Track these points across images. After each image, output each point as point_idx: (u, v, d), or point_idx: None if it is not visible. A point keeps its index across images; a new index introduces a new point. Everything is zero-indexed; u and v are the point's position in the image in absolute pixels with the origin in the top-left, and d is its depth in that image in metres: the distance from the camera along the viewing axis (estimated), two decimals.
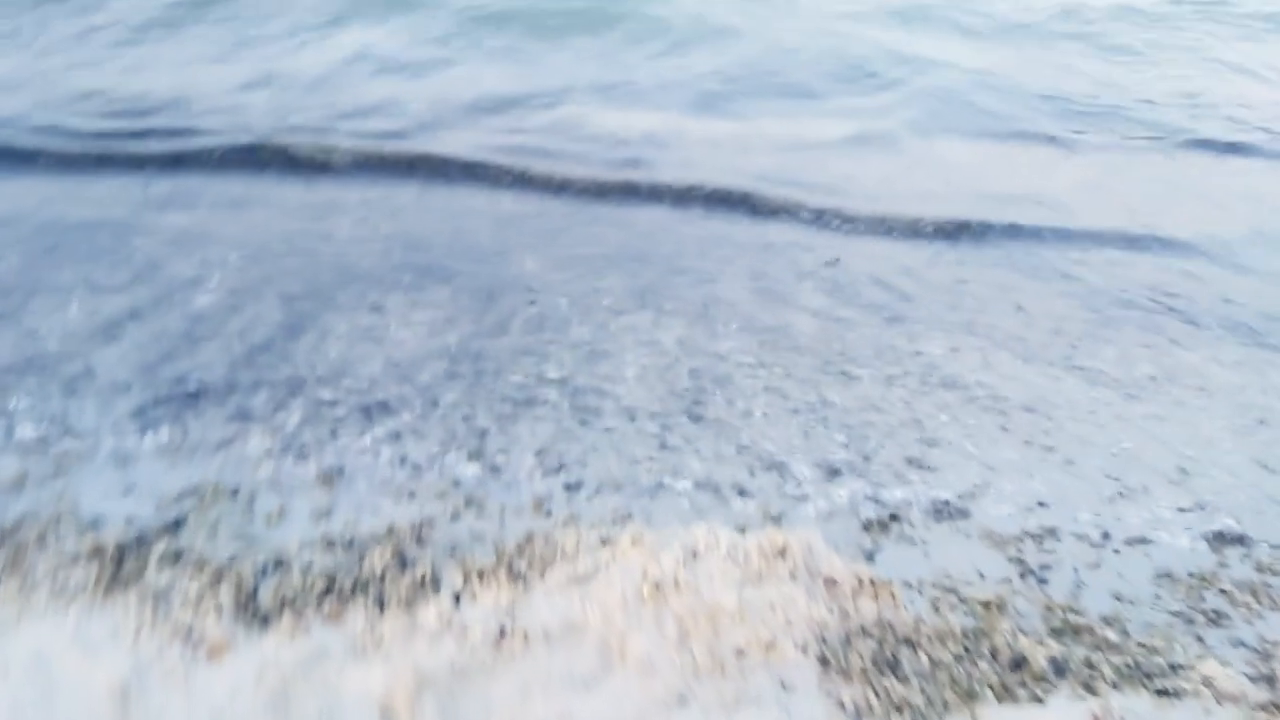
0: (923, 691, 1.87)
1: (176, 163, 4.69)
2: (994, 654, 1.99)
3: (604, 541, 2.23)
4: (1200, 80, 7.03)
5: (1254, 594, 2.30)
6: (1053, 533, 2.51)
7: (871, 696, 1.84)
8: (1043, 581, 2.31)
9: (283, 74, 5.94)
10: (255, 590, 2.07)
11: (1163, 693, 1.89)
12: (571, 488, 2.57)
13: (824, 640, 1.94)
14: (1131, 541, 2.49)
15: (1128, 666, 1.98)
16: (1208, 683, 1.91)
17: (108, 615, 1.96)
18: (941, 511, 2.56)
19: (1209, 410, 3.16)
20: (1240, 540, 2.51)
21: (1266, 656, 2.08)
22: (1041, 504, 2.63)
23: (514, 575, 2.12)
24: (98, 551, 2.16)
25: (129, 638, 1.90)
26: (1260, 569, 2.41)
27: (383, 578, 2.13)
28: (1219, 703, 1.86)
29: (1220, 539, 2.52)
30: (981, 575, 2.32)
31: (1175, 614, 2.22)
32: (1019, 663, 1.96)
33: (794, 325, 3.52)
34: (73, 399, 2.82)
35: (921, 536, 2.46)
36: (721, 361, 3.24)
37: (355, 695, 1.79)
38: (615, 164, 4.94)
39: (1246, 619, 2.21)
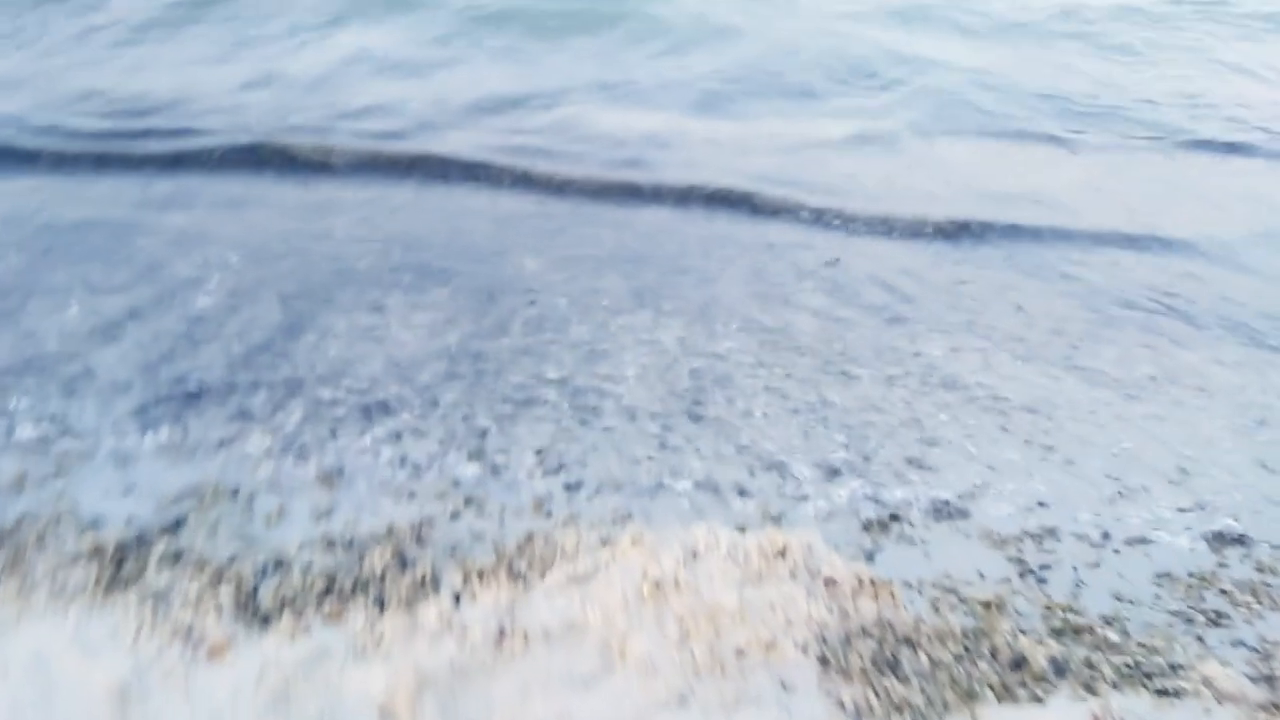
0: (923, 691, 1.87)
1: (176, 163, 4.69)
2: (994, 654, 1.99)
3: (604, 541, 2.23)
4: (1200, 80, 7.02)
5: (1254, 594, 2.30)
6: (1053, 533, 2.51)
7: (871, 696, 1.84)
8: (1043, 581, 2.31)
9: (282, 74, 5.94)
10: (255, 590, 2.07)
11: (1163, 693, 1.89)
12: (571, 488, 2.57)
13: (824, 640, 1.94)
14: (1131, 541, 2.49)
15: (1128, 667, 1.98)
16: (1208, 683, 1.91)
17: (107, 615, 1.96)
18: (941, 511, 2.56)
19: (1209, 410, 3.16)
20: (1240, 540, 2.51)
21: (1266, 657, 2.08)
22: (1041, 504, 2.63)
23: (514, 575, 2.12)
24: (97, 552, 2.16)
25: (129, 638, 1.90)
26: (1260, 569, 2.41)
27: (383, 578, 2.13)
28: (1219, 703, 1.86)
29: (1220, 539, 2.51)
30: (981, 575, 2.32)
31: (1175, 614, 2.22)
32: (1019, 663, 1.96)
33: (794, 325, 3.52)
34: (72, 399, 2.82)
35: (921, 536, 2.46)
36: (721, 361, 3.24)
37: (356, 695, 1.79)
38: (615, 164, 4.94)
39: (1246, 619, 2.21)
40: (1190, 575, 2.37)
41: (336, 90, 5.72)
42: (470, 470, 2.61)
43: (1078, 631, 2.12)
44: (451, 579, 2.12)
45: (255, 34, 6.64)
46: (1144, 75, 7.10)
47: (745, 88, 6.23)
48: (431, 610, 1.98)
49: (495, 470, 2.62)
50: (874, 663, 1.92)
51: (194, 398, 2.86)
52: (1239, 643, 2.14)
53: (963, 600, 2.21)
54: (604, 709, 1.77)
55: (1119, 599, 2.27)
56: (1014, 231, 4.49)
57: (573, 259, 3.94)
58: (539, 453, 2.71)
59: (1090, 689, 1.89)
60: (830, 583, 2.08)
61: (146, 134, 4.95)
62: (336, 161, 4.75)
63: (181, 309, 3.36)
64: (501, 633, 1.92)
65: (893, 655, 1.95)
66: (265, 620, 1.98)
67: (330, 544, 2.26)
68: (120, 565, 2.13)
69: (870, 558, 2.36)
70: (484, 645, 1.89)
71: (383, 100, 5.59)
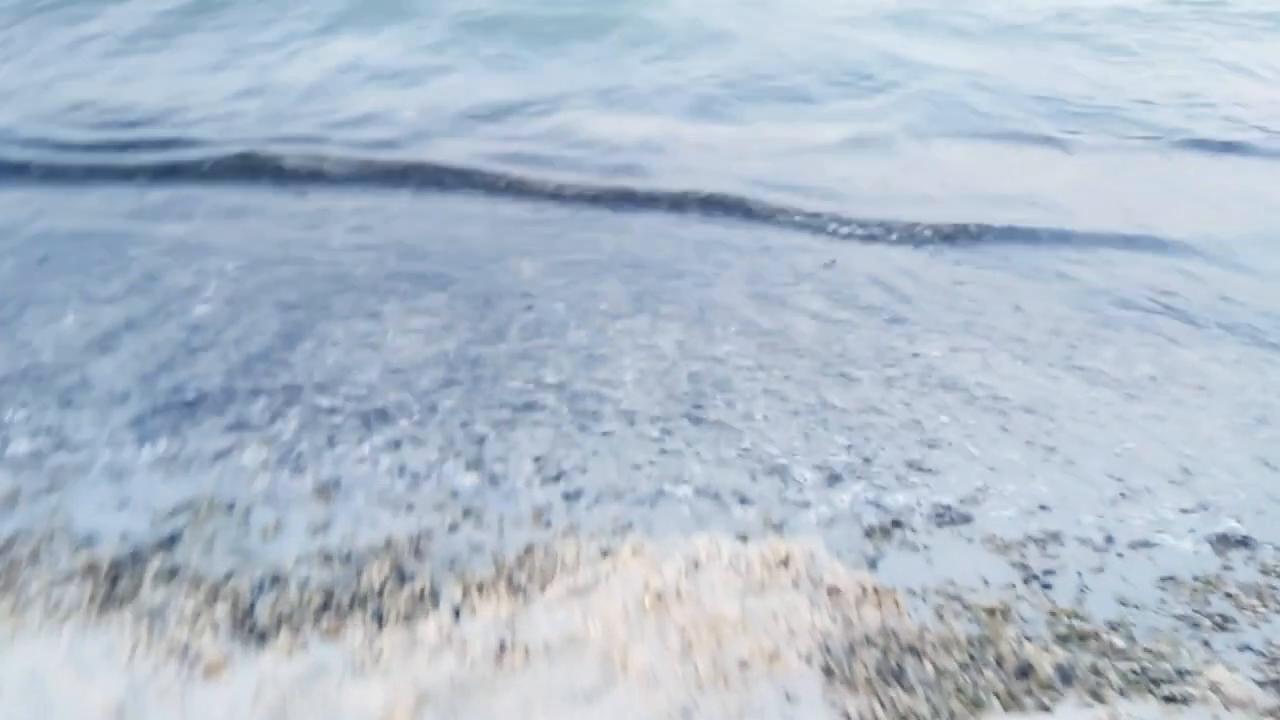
0: (928, 701, 1.85)
1: (171, 173, 4.67)
2: (1000, 662, 1.97)
3: (604, 552, 2.21)
4: (1197, 80, 7.03)
5: (1259, 597, 2.28)
6: (1056, 537, 2.49)
7: (877, 707, 1.82)
8: (1047, 587, 2.30)
9: (275, 83, 5.92)
10: (252, 607, 2.05)
11: (1170, 699, 1.87)
12: (571, 497, 2.55)
13: (828, 650, 1.92)
14: (1135, 545, 2.48)
15: (1134, 673, 1.96)
16: (1215, 688, 1.89)
17: (102, 634, 1.93)
18: (943, 516, 2.55)
19: (1209, 409, 3.15)
20: (1244, 542, 2.50)
21: (1274, 661, 2.07)
22: (1044, 507, 2.61)
23: (514, 588, 2.10)
24: (92, 569, 2.14)
25: (124, 657, 1.87)
26: (1265, 571, 2.39)
27: (381, 592, 2.11)
28: (1227, 709, 1.84)
29: (1224, 541, 2.50)
30: (985, 581, 2.30)
31: (1181, 618, 2.21)
32: (1025, 670, 1.94)
33: (793, 328, 3.51)
34: (67, 411, 2.80)
35: (924, 542, 2.44)
36: (720, 365, 3.23)
37: (354, 712, 1.77)
38: (611, 170, 4.93)
39: (1252, 623, 2.20)
40: (1195, 579, 2.35)
41: (331, 99, 5.70)
42: (468, 480, 2.59)
43: (1083, 637, 2.10)
44: (451, 593, 2.09)
45: (248, 43, 6.62)
46: (1140, 76, 7.11)
47: (741, 92, 6.22)
48: (431, 625, 1.96)
49: (494, 480, 2.60)
50: (879, 672, 1.90)
51: (190, 408, 2.84)
52: (1245, 647, 2.12)
53: (967, 607, 2.19)
54: None
55: (1124, 604, 2.26)
56: (1011, 233, 4.49)
57: (570, 264, 3.92)
58: (537, 460, 2.69)
59: (1097, 696, 1.88)
60: (833, 591, 2.06)
61: (139, 144, 4.93)
62: (330, 170, 4.73)
63: (178, 318, 3.34)
64: (502, 647, 1.89)
65: (897, 664, 1.93)
66: (262, 637, 1.95)
67: (327, 558, 2.24)
68: (115, 582, 2.10)
69: (873, 565, 2.35)
70: (484, 660, 1.86)
71: (377, 108, 5.57)
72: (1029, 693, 1.89)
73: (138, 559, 2.19)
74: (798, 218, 4.52)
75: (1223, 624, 2.19)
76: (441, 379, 3.06)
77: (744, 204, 4.61)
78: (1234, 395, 3.24)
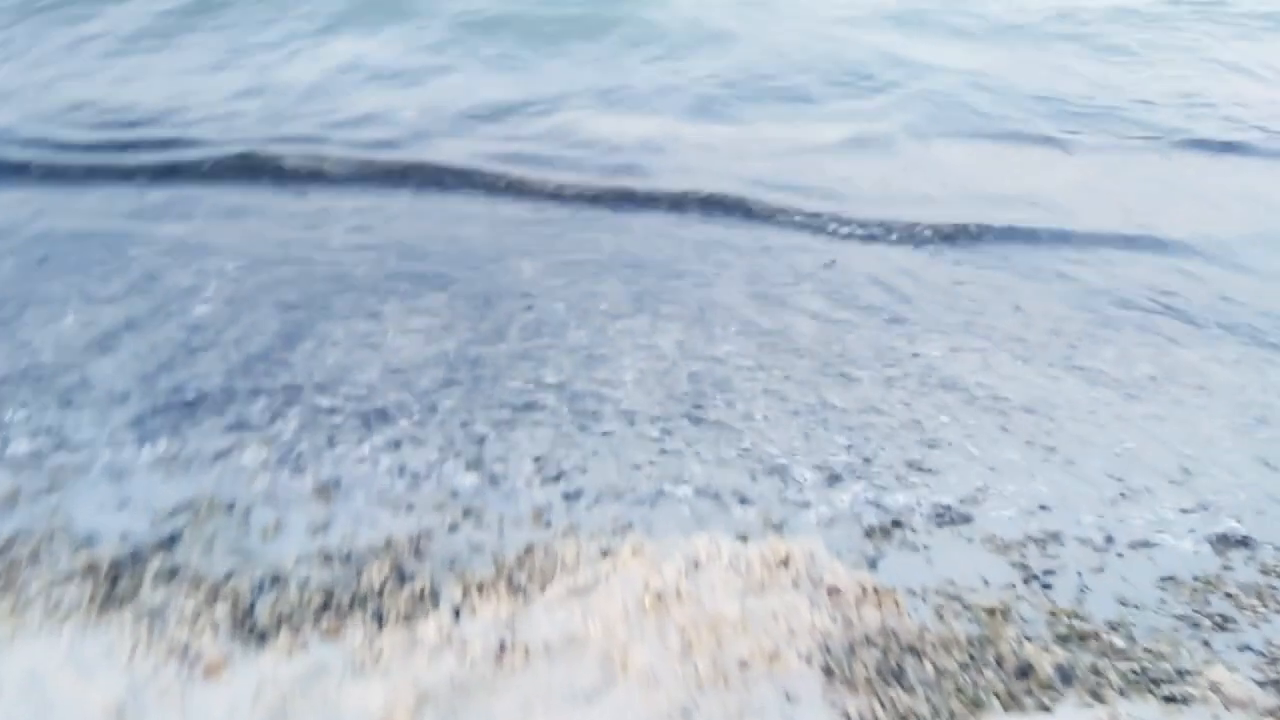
0: (928, 701, 1.85)
1: (170, 173, 4.66)
2: (1000, 662, 1.97)
3: (604, 552, 2.21)
4: (1196, 80, 7.03)
5: (1259, 597, 2.28)
6: (1056, 537, 2.49)
7: (877, 707, 1.82)
8: (1047, 587, 2.30)
9: (276, 83, 5.92)
10: (252, 607, 2.05)
11: (1170, 699, 1.87)
12: (571, 496, 2.55)
13: (828, 650, 1.92)
14: (1135, 545, 2.48)
15: (1134, 673, 1.96)
16: (1215, 688, 1.89)
17: (102, 634, 1.93)
18: (944, 516, 2.55)
19: (1209, 409, 3.15)
20: (1244, 542, 2.50)
21: (1274, 661, 2.07)
22: (1043, 507, 2.61)
23: (514, 588, 2.10)
24: (92, 569, 2.14)
25: (124, 657, 1.87)
26: (1265, 571, 2.39)
27: (381, 592, 2.11)
28: (1227, 709, 1.84)
29: (1224, 541, 2.50)
30: (985, 581, 2.30)
31: (1181, 618, 2.21)
32: (1025, 670, 1.94)
33: (793, 327, 3.51)
34: (68, 411, 2.80)
35: (924, 542, 2.44)
36: (720, 365, 3.23)
37: (354, 712, 1.77)
38: (611, 170, 4.93)
39: (1252, 623, 2.20)
40: (1195, 579, 2.35)
41: (330, 99, 5.70)
42: (469, 480, 2.59)
43: (1083, 638, 2.10)
44: (451, 593, 2.09)
45: (248, 43, 6.62)
46: (1140, 76, 7.11)
47: (741, 92, 6.22)
48: (431, 625, 1.96)
49: (494, 479, 2.60)
50: (879, 672, 1.90)
51: (190, 408, 2.84)
52: (1245, 647, 2.12)
53: (967, 607, 2.19)
54: None
55: (1124, 604, 2.26)
56: (1011, 233, 4.49)
57: (570, 264, 3.93)
58: (537, 460, 2.69)
59: (1097, 696, 1.88)
60: (833, 591, 2.06)
61: (139, 144, 4.93)
62: (331, 170, 4.73)
63: (178, 318, 3.34)
64: (502, 647, 1.89)
65: (897, 664, 1.93)
66: (262, 637, 1.95)
67: (327, 558, 2.24)
68: (115, 582, 2.10)
69: (873, 565, 2.35)
70: (484, 660, 1.86)
71: (377, 108, 5.57)
72: (1029, 693, 1.89)
73: (138, 559, 2.19)
74: (798, 218, 4.52)
75: (1223, 624, 2.19)
76: (441, 379, 3.06)
77: (744, 204, 4.61)
78: (1234, 395, 3.24)
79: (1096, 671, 1.95)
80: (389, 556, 2.24)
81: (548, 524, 2.43)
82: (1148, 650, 2.06)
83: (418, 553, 2.27)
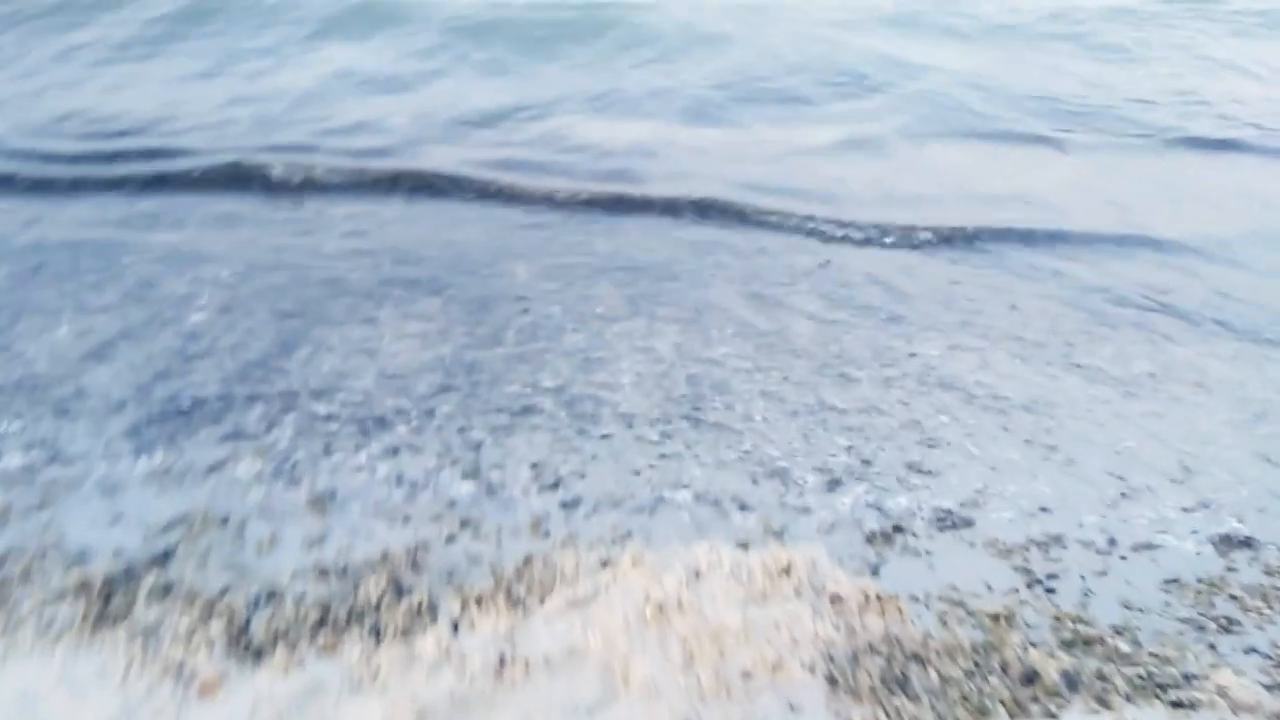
0: (933, 709, 1.83)
1: (162, 182, 4.64)
2: (1005, 668, 1.95)
3: (604, 563, 2.19)
4: (1191, 78, 7.05)
5: (1264, 599, 2.27)
6: (1058, 540, 2.47)
7: (881, 716, 1.80)
8: (1050, 591, 2.28)
9: (266, 91, 5.89)
10: (247, 623, 2.02)
11: (1178, 704, 1.85)
12: (569, 505, 2.52)
13: (831, 659, 1.90)
14: (1138, 547, 2.46)
15: (1141, 678, 1.94)
16: (1222, 693, 1.88)
17: (95, 653, 1.90)
18: (945, 520, 2.53)
19: (1208, 406, 3.14)
20: (1247, 543, 2.48)
21: None
22: (1045, 509, 2.60)
23: (513, 600, 2.07)
24: (85, 586, 2.10)
25: (118, 676, 1.84)
26: (1269, 572, 2.38)
27: (378, 606, 2.08)
28: (1234, 713, 1.83)
29: (1227, 542, 2.49)
30: (989, 586, 2.29)
31: (1186, 621, 2.19)
32: (1031, 677, 1.92)
33: (790, 329, 3.49)
34: (61, 422, 2.77)
35: (926, 548, 2.42)
36: (718, 367, 3.21)
37: None
38: (605, 175, 4.92)
39: (1258, 625, 2.18)
40: (1199, 581, 2.34)
41: (322, 106, 5.68)
42: (466, 489, 2.56)
43: (1088, 643, 2.08)
44: (449, 606, 2.07)
45: (238, 51, 6.59)
46: (1135, 74, 7.12)
47: (735, 95, 6.22)
48: (429, 639, 1.93)
49: (491, 488, 2.57)
50: (883, 681, 1.88)
51: (186, 417, 2.81)
52: (1251, 650, 2.10)
53: (971, 613, 2.17)
54: None
55: (1128, 607, 2.24)
56: (1006, 233, 4.49)
57: (565, 267, 3.91)
58: (535, 467, 2.66)
59: (1104, 702, 1.86)
60: (836, 599, 2.04)
61: (130, 154, 4.90)
62: (324, 178, 4.71)
63: (173, 326, 3.32)
64: (501, 661, 1.87)
65: (902, 673, 1.91)
66: (258, 654, 1.92)
67: (324, 572, 2.21)
68: (108, 600, 2.07)
69: (875, 571, 2.33)
70: (484, 675, 1.84)
71: (369, 115, 5.55)
72: (1035, 699, 1.87)
73: (131, 576, 2.16)
74: (793, 220, 4.51)
75: (1228, 627, 2.18)
76: (438, 384, 3.03)
77: (739, 207, 4.60)
78: (1232, 391, 3.24)
79: (1102, 677, 1.93)
80: (386, 570, 2.21)
81: (546, 534, 2.40)
82: (1153, 655, 2.04)
83: (415, 565, 2.25)
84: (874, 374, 3.22)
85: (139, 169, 4.74)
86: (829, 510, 2.54)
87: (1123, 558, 2.41)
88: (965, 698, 1.86)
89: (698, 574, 2.06)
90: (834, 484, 2.65)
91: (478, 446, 2.74)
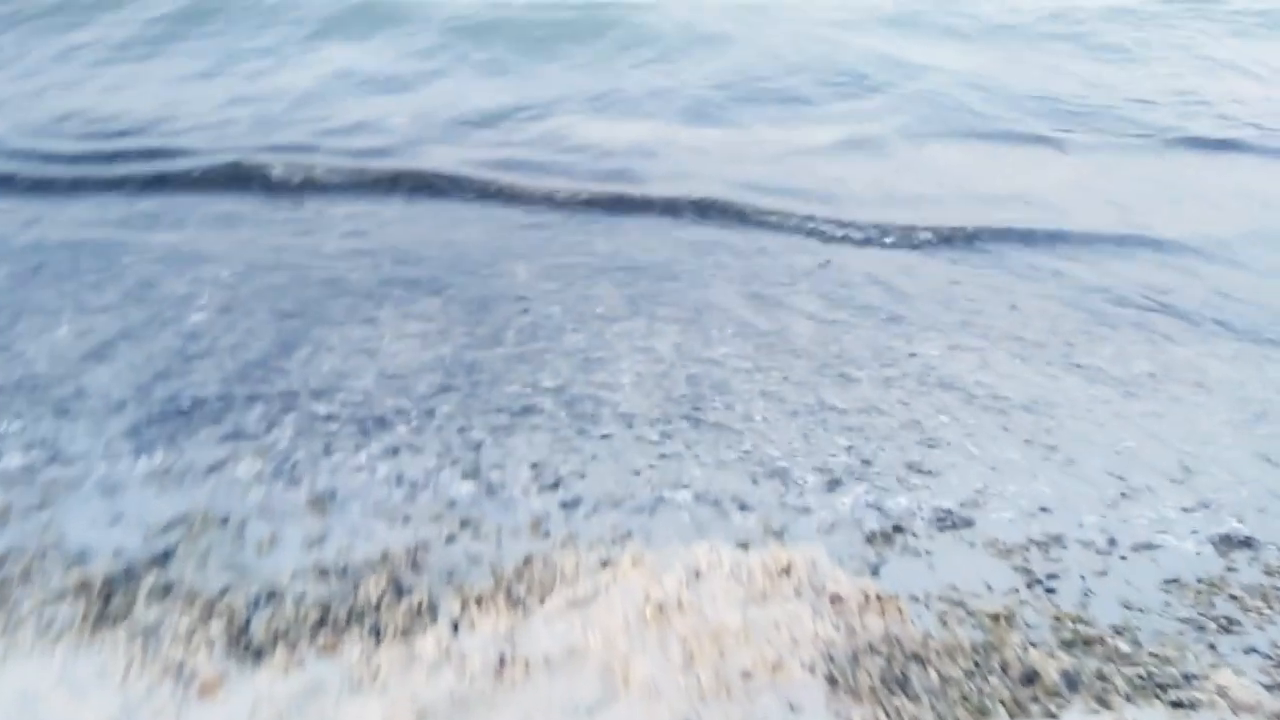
0: (934, 709, 1.83)
1: (161, 182, 4.64)
2: (1005, 668, 1.95)
3: (604, 563, 2.19)
4: (1191, 78, 7.05)
5: (1264, 599, 2.27)
6: (1058, 540, 2.47)
7: (881, 716, 1.80)
8: (1050, 591, 2.28)
9: (266, 91, 5.89)
10: (247, 623, 2.02)
11: (1178, 705, 1.85)
12: (569, 505, 2.52)
13: (831, 659, 1.90)
14: (1138, 547, 2.46)
15: (1141, 678, 1.94)
16: (1222, 693, 1.88)
17: (95, 653, 1.90)
18: (945, 520, 2.53)
19: (1208, 406, 3.14)
20: (1247, 543, 2.48)
21: None
22: (1045, 509, 2.60)
23: (513, 600, 2.07)
24: (84, 586, 2.10)
25: (118, 677, 1.84)
26: (1269, 572, 2.38)
27: (378, 606, 2.08)
28: (1234, 713, 1.83)
29: (1227, 542, 2.49)
30: (989, 586, 2.29)
31: (1186, 621, 2.19)
32: (1031, 677, 1.92)
33: (790, 329, 3.49)
34: (62, 423, 2.77)
35: (926, 548, 2.42)
36: (718, 367, 3.21)
37: None
38: (604, 175, 4.92)
39: (1258, 625, 2.18)
40: (1199, 581, 2.34)
41: (322, 106, 5.68)
42: (466, 489, 2.56)
43: (1088, 643, 2.08)
44: (449, 606, 2.07)
45: (238, 51, 6.59)
46: (1134, 74, 7.12)
47: (735, 95, 6.22)
48: (429, 640, 1.93)
49: (491, 488, 2.57)
50: (883, 681, 1.88)
51: (186, 417, 2.81)
52: (1251, 650, 2.10)
53: (971, 613, 2.17)
54: None
55: (1128, 607, 2.24)
56: (1006, 233, 4.49)
57: (565, 267, 3.91)
58: (535, 466, 2.66)
59: (1104, 702, 1.86)
60: (836, 599, 2.04)
61: (129, 154, 4.90)
62: (324, 178, 4.71)
63: (173, 326, 3.32)
64: (501, 661, 1.87)
65: (902, 673, 1.91)
66: (258, 654, 1.92)
67: (324, 572, 2.21)
68: (108, 600, 2.07)
69: (875, 571, 2.33)
70: (484, 675, 1.84)
71: (369, 115, 5.55)
72: (1035, 699, 1.87)
73: (131, 576, 2.16)
74: (793, 220, 4.51)
75: (1228, 627, 2.18)
76: (438, 384, 3.03)
77: (739, 207, 4.60)
78: (1232, 391, 3.24)
79: (1102, 677, 1.93)
80: (386, 570, 2.21)
81: (546, 534, 2.40)
82: (1153, 655, 2.04)
83: (415, 565, 2.25)
84: (874, 374, 3.22)
85: (139, 169, 4.74)
86: (829, 510, 2.54)
87: (1123, 558, 2.41)
88: (965, 698, 1.86)
89: (698, 574, 2.06)
90: (834, 484, 2.65)
91: (478, 446, 2.74)
